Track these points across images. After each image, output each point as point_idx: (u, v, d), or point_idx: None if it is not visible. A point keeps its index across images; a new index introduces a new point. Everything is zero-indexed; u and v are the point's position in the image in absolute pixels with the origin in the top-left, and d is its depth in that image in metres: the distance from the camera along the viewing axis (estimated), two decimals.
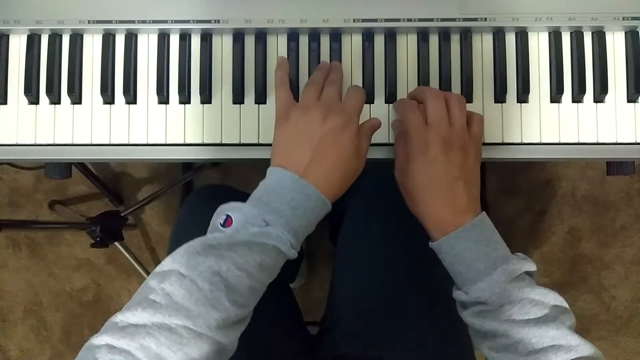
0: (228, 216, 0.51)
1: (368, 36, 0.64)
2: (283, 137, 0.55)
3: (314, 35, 0.64)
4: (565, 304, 0.53)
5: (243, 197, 0.81)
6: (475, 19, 0.63)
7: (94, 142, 0.64)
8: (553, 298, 0.53)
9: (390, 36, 0.64)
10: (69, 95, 0.64)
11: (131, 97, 0.64)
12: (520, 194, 1.36)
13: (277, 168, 0.54)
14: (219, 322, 0.45)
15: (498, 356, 0.53)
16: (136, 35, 0.65)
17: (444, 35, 0.64)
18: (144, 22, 0.63)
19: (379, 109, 0.64)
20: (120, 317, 0.45)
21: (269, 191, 0.53)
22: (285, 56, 0.64)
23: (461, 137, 0.57)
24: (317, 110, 0.54)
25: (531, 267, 0.55)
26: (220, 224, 0.51)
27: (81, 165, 1.22)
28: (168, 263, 0.48)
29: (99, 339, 0.44)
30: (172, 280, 0.46)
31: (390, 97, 0.64)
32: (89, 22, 0.64)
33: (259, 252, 0.49)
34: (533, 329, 0.51)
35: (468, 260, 0.54)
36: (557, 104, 0.64)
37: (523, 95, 0.64)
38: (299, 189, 0.52)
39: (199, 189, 0.80)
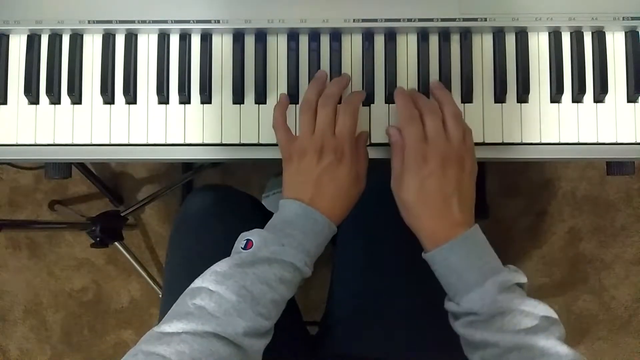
0: (248, 240, 0.56)
1: (368, 36, 0.64)
2: (289, 178, 0.60)
3: (314, 35, 0.64)
4: (555, 315, 0.54)
5: (242, 197, 0.81)
6: (475, 19, 0.63)
7: (94, 142, 0.64)
8: (543, 309, 0.53)
9: (390, 36, 0.64)
10: (69, 95, 0.64)
11: (131, 97, 0.64)
12: (520, 194, 1.36)
13: (288, 200, 0.59)
14: (245, 329, 0.50)
15: None
16: (136, 35, 0.65)
17: (444, 35, 0.64)
18: (144, 22, 0.63)
19: (379, 109, 0.64)
20: (156, 329, 0.50)
21: (282, 220, 0.58)
22: (286, 57, 0.64)
23: (457, 151, 0.58)
24: (312, 153, 0.58)
25: (522, 279, 0.55)
26: (242, 247, 0.55)
27: (81, 165, 1.22)
28: (198, 282, 0.53)
29: (136, 348, 0.48)
30: (202, 296, 0.51)
31: (390, 97, 0.64)
32: (89, 22, 0.64)
33: (278, 268, 0.54)
34: (523, 339, 0.52)
35: (459, 272, 0.55)
36: (557, 104, 0.64)
37: (523, 95, 0.64)
38: (308, 215, 0.57)
39: (197, 189, 0.81)
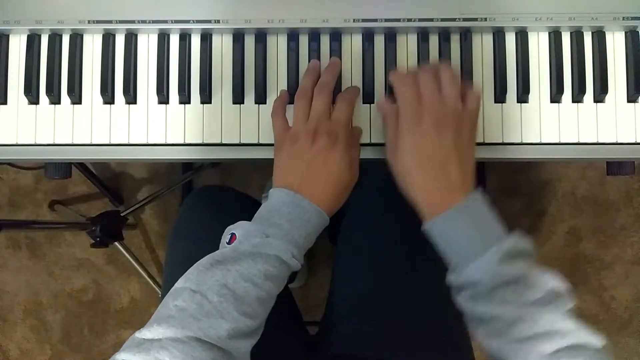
0: (232, 234, 0.54)
1: (368, 36, 0.64)
2: (279, 164, 0.59)
3: (314, 35, 0.64)
4: (563, 287, 0.51)
5: (241, 197, 0.81)
6: (475, 19, 0.63)
7: (94, 142, 0.64)
8: (549, 280, 0.51)
9: (390, 36, 0.64)
10: (69, 95, 0.64)
11: (131, 97, 0.64)
12: (520, 194, 1.36)
13: (276, 189, 0.57)
14: (229, 332, 0.47)
15: (492, 343, 0.52)
16: (136, 35, 0.65)
17: (444, 35, 0.64)
18: (144, 22, 0.63)
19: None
20: (138, 335, 0.47)
21: (268, 209, 0.56)
22: (286, 57, 0.64)
23: (453, 112, 0.56)
24: (305, 137, 0.57)
25: (527, 246, 0.53)
26: (226, 242, 0.54)
27: (81, 165, 1.22)
28: (180, 282, 0.51)
29: (118, 356, 0.46)
30: (184, 297, 0.49)
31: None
32: (89, 22, 0.64)
33: (262, 263, 0.51)
34: (526, 313, 0.49)
35: (460, 242, 0.53)
36: (557, 104, 0.64)
37: (523, 95, 0.64)
38: (295, 202, 0.55)
39: (197, 190, 0.81)
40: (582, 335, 0.48)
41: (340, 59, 0.64)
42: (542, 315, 0.49)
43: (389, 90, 0.63)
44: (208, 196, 0.78)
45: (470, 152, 0.57)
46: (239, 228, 0.54)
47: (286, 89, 0.64)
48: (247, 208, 0.79)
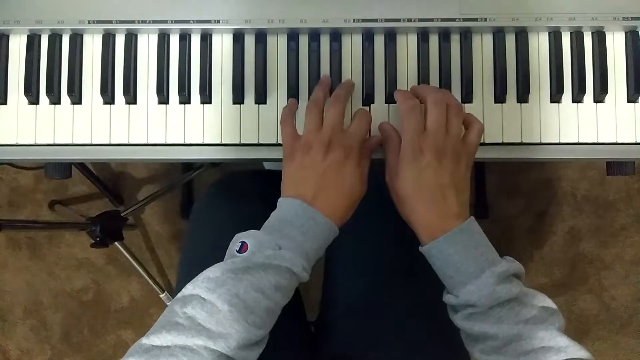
0: (243, 243, 0.53)
1: (368, 36, 0.64)
2: (291, 174, 0.58)
3: (314, 35, 0.64)
4: (554, 306, 0.54)
5: (255, 192, 0.80)
6: (475, 19, 0.63)
7: (94, 142, 0.64)
8: (541, 300, 0.53)
9: (390, 36, 0.64)
10: (69, 95, 0.64)
11: (131, 97, 0.64)
12: (520, 194, 1.36)
13: (287, 198, 0.56)
14: (238, 342, 0.48)
15: (490, 359, 0.54)
16: (136, 35, 0.65)
17: (444, 35, 0.64)
18: (144, 22, 0.63)
19: (379, 109, 0.64)
20: (145, 341, 0.47)
21: (280, 219, 0.55)
22: (286, 57, 0.64)
23: (454, 145, 0.58)
24: (318, 147, 0.57)
25: (519, 269, 0.55)
26: (237, 250, 0.53)
27: (81, 165, 1.22)
28: (189, 289, 0.50)
29: None
30: (193, 304, 0.48)
31: (390, 97, 0.64)
32: (89, 22, 0.64)
33: (273, 274, 0.51)
34: (522, 330, 0.51)
35: (457, 264, 0.55)
36: (557, 104, 0.64)
37: (523, 95, 0.64)
38: (308, 215, 0.55)
39: (214, 183, 0.79)
40: (575, 350, 0.50)
41: (340, 59, 0.64)
42: (537, 333, 0.51)
43: (389, 91, 0.63)
44: (226, 189, 0.77)
45: (466, 181, 0.58)
46: (250, 238, 0.54)
47: (286, 89, 0.64)
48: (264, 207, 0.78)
